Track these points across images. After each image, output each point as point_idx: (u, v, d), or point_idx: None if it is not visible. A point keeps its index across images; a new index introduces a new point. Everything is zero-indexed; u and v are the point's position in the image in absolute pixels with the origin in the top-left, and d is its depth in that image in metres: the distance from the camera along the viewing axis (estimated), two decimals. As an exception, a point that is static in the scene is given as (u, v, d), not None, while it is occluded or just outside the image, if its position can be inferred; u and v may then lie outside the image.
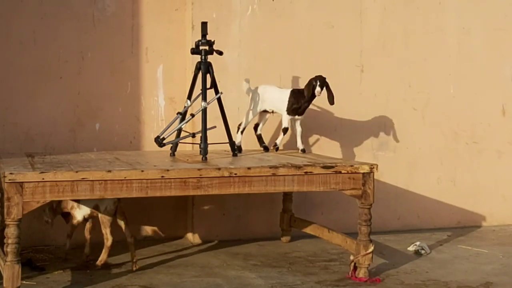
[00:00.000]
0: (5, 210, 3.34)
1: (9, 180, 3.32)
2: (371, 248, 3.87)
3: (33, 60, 4.65)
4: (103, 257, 4.08)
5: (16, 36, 4.61)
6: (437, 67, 5.40)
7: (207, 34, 4.18)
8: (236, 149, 4.30)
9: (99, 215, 4.02)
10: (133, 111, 4.88)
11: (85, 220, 4.12)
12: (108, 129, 4.82)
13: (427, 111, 5.38)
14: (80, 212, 4.04)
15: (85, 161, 3.88)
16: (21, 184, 3.34)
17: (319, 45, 5.12)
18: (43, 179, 3.37)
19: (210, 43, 4.19)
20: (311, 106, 5.05)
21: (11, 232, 3.34)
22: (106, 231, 4.03)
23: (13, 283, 3.34)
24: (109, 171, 3.48)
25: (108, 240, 4.04)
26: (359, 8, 5.19)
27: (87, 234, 4.20)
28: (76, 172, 3.43)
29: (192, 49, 4.22)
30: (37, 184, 3.36)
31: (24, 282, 3.59)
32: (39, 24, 4.65)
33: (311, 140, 5.11)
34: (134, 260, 4.07)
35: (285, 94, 4.54)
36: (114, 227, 4.38)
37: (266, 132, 4.87)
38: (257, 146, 4.74)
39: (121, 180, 3.49)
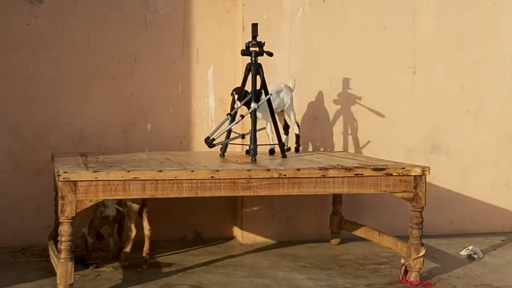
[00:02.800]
0: (59, 208, 3.40)
1: (63, 178, 3.38)
2: (422, 252, 3.81)
3: (87, 61, 4.74)
4: (127, 249, 4.21)
5: (71, 38, 4.70)
6: (491, 69, 5.29)
7: (257, 35, 4.19)
8: (285, 150, 4.29)
9: (125, 209, 4.16)
10: (183, 112, 4.93)
11: (115, 219, 4.28)
12: (160, 130, 4.87)
13: (481, 113, 5.27)
14: (109, 211, 4.23)
15: (136, 161, 3.93)
16: (74, 182, 3.40)
17: (371, 47, 5.08)
18: (96, 178, 3.42)
19: (261, 45, 4.19)
20: (362, 107, 5.03)
21: (64, 229, 3.40)
22: (131, 224, 4.16)
23: (66, 280, 3.40)
24: (160, 171, 3.52)
25: (133, 232, 4.17)
26: (412, 9, 5.13)
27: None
28: (128, 171, 3.48)
29: (242, 50, 4.24)
30: (90, 183, 3.42)
31: (76, 279, 3.66)
32: (93, 27, 4.73)
33: (362, 142, 5.07)
34: (147, 253, 4.23)
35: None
36: (164, 227, 4.45)
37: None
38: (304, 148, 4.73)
39: (171, 180, 3.52)
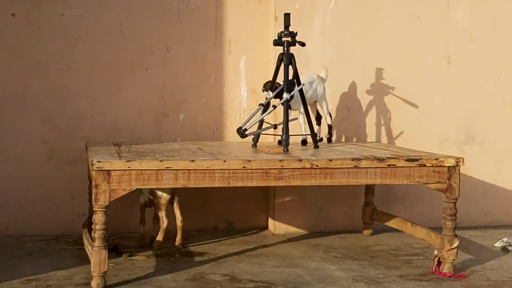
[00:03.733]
0: (93, 197, 3.44)
1: (97, 168, 3.42)
2: (456, 243, 3.77)
3: (120, 52, 4.77)
4: (159, 238, 4.25)
5: (104, 29, 4.74)
6: (528, 58, 5.20)
7: (289, 25, 4.17)
8: (317, 141, 4.27)
9: (155, 199, 4.20)
10: (216, 103, 4.94)
11: (146, 205, 4.34)
12: (192, 120, 4.89)
13: (517, 104, 5.19)
14: (142, 198, 4.32)
15: (169, 151, 3.96)
16: (108, 172, 3.43)
17: (404, 37, 5.02)
18: (129, 167, 3.45)
19: (293, 35, 4.18)
20: (395, 98, 4.99)
21: (98, 218, 3.44)
22: (162, 214, 4.20)
23: (100, 267, 3.44)
24: (192, 160, 3.53)
25: (164, 222, 4.20)
26: (446, -2, 5.06)
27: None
28: (161, 161, 3.50)
29: (274, 40, 4.23)
30: (123, 172, 3.45)
31: (110, 267, 3.70)
32: (126, 17, 4.76)
33: (395, 132, 5.03)
34: (179, 243, 4.26)
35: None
36: (197, 217, 4.47)
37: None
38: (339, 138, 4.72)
39: (204, 170, 3.54)
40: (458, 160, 3.78)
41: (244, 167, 3.58)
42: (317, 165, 3.65)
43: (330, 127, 4.57)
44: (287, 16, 4.18)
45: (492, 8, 5.13)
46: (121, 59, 4.78)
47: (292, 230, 4.85)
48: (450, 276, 3.74)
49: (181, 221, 4.27)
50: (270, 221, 4.92)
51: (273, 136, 4.60)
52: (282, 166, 3.62)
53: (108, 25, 4.75)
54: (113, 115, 4.78)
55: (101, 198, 3.43)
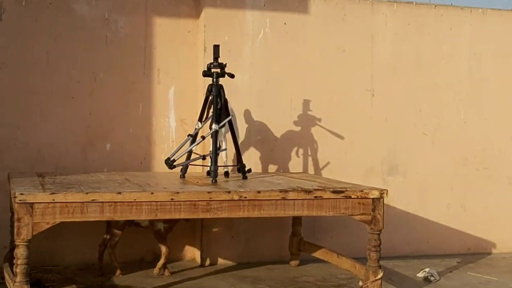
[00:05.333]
0: (15, 230, 3.34)
1: (20, 200, 3.32)
2: (380, 275, 3.85)
3: (45, 80, 4.68)
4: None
5: (30, 56, 4.65)
6: (448, 92, 5.40)
7: (219, 57, 4.20)
8: (245, 172, 4.30)
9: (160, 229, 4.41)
10: (144, 132, 4.90)
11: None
12: (119, 150, 4.83)
13: (438, 136, 5.37)
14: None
15: (95, 182, 3.89)
16: (31, 204, 3.34)
17: (330, 69, 5.14)
18: (53, 200, 3.37)
19: (222, 66, 4.21)
20: (321, 129, 5.08)
21: (20, 252, 3.34)
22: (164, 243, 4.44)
23: (21, 303, 3.33)
24: (119, 193, 3.49)
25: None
26: (370, 33, 5.21)
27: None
28: (86, 193, 3.44)
29: (204, 71, 4.25)
30: (47, 205, 3.36)
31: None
32: (52, 45, 4.68)
33: (321, 163, 5.11)
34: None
35: None
36: (123, 248, 4.40)
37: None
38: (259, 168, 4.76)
39: (130, 202, 3.49)
40: (382, 192, 3.87)
41: (172, 199, 3.56)
42: (245, 197, 3.67)
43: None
44: (216, 47, 4.21)
45: (413, 44, 5.31)
46: (46, 87, 4.68)
47: (220, 261, 4.84)
48: (375, 307, 3.81)
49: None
50: (198, 252, 4.89)
51: (201, 166, 4.59)
52: (210, 198, 3.62)
53: (34, 52, 4.65)
54: (38, 144, 4.67)
55: (24, 231, 3.33)
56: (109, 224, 4.31)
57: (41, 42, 4.66)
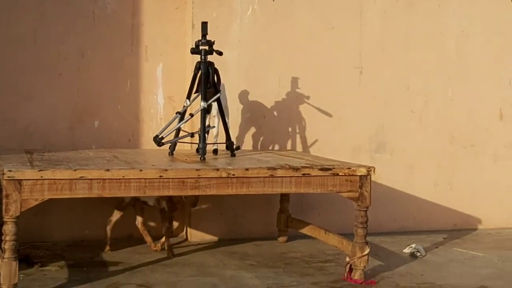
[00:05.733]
0: (3, 207, 3.35)
1: (8, 177, 3.33)
2: (367, 251, 3.89)
3: (33, 57, 4.66)
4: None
5: (16, 33, 4.62)
6: (436, 70, 5.41)
7: (207, 34, 4.19)
8: (234, 149, 4.31)
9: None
10: (132, 109, 4.90)
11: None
12: (107, 127, 4.83)
13: (425, 114, 5.40)
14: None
15: (83, 159, 3.89)
16: (19, 181, 3.35)
17: (318, 46, 5.14)
18: (41, 177, 3.38)
19: (210, 43, 4.19)
20: (309, 107, 5.09)
21: (9, 229, 3.35)
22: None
23: (10, 280, 3.35)
24: (108, 170, 3.49)
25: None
26: (359, 10, 5.21)
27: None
28: (75, 170, 3.44)
29: (192, 49, 4.23)
30: (35, 182, 3.37)
31: (21, 278, 3.61)
32: (39, 22, 4.65)
33: (309, 140, 5.13)
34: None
35: None
36: (113, 226, 4.42)
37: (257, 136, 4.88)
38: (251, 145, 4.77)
39: (119, 179, 3.50)
40: (369, 169, 3.89)
41: (160, 176, 3.57)
42: (233, 174, 3.68)
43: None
44: (204, 24, 4.19)
45: (402, 21, 5.32)
46: (33, 65, 4.66)
47: (208, 238, 4.87)
48: (361, 283, 3.85)
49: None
50: (186, 229, 4.92)
51: (190, 144, 4.60)
52: (199, 175, 3.63)
53: (21, 29, 4.62)
54: (25, 121, 4.66)
55: (12, 208, 3.35)
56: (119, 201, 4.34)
57: (28, 19, 4.63)
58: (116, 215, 4.43)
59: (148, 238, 4.48)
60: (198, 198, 4.39)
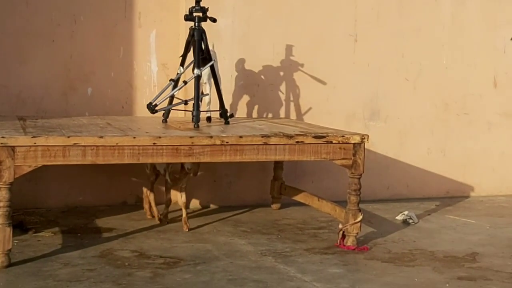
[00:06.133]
0: (-3, 173, 3.35)
1: (1, 143, 3.32)
2: (359, 217, 3.92)
3: (25, 22, 4.62)
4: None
5: (8, -2, 4.57)
6: (430, 37, 5.39)
7: (201, 0, 4.15)
8: (228, 117, 4.30)
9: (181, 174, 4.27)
10: (125, 76, 4.87)
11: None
12: (100, 94, 4.81)
13: (419, 81, 5.39)
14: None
15: (77, 126, 3.89)
16: (13, 148, 3.34)
17: (313, 14, 5.10)
18: (35, 143, 3.37)
19: (204, 10, 4.16)
20: (304, 74, 5.08)
21: (2, 195, 3.35)
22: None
23: (4, 245, 3.36)
24: (101, 137, 3.49)
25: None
26: (354, -23, 5.17)
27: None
28: (68, 137, 3.44)
29: (185, 15, 4.19)
30: (29, 149, 3.37)
31: (15, 244, 3.63)
32: (31, -14, 4.61)
33: (303, 108, 5.13)
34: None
35: None
36: (105, 192, 4.42)
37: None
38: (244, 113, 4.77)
39: (113, 146, 3.50)
40: (363, 137, 3.90)
41: (154, 143, 3.57)
42: (227, 142, 3.69)
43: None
44: (198, -10, 4.15)
45: (397, -11, 5.28)
46: (26, 30, 4.62)
47: (202, 204, 4.89)
48: (354, 249, 3.89)
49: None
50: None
51: (183, 111, 4.59)
52: (192, 143, 3.63)
53: (12, -6, 4.58)
54: (18, 87, 4.63)
55: (6, 174, 3.34)
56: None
57: (19, -16, 4.58)
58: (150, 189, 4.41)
59: (155, 209, 4.44)
60: (199, 167, 4.38)
